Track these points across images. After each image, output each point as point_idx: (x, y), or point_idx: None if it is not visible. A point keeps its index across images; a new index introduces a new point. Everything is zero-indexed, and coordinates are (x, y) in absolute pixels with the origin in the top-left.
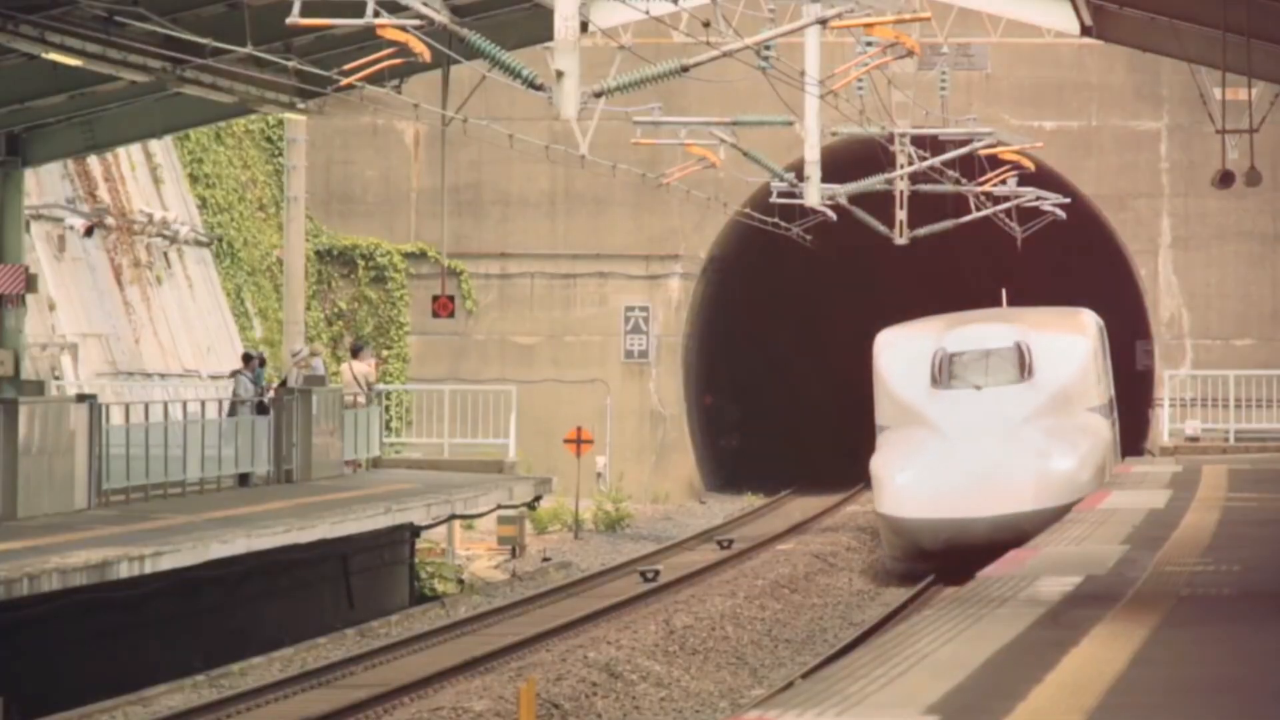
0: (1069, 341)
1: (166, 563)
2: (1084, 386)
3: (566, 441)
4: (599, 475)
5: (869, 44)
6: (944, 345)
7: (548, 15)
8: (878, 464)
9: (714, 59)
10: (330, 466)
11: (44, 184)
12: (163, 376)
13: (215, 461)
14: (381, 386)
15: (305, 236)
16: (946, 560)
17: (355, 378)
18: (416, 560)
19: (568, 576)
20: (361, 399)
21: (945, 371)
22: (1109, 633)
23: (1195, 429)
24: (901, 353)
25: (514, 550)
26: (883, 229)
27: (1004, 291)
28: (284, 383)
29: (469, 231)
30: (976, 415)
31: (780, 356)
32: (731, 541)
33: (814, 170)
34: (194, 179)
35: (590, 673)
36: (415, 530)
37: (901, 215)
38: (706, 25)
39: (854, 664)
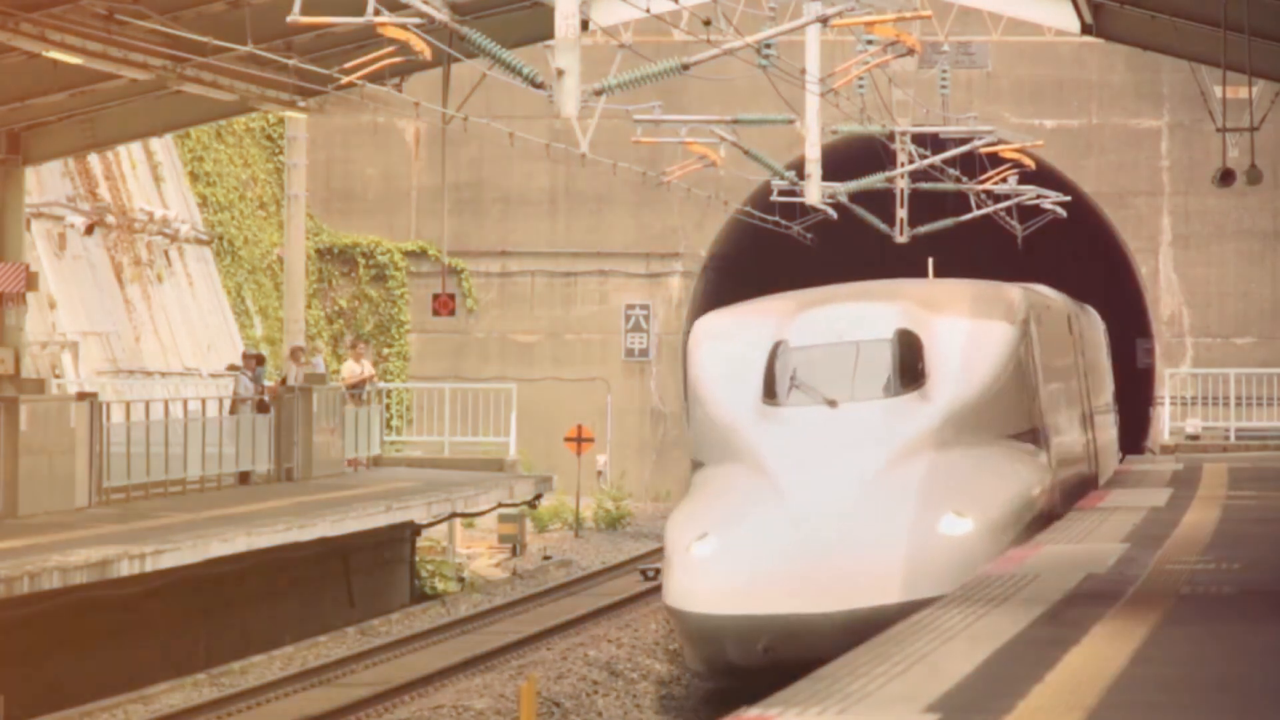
0: (984, 331)
1: (167, 561)
2: (1007, 399)
3: (567, 440)
4: (600, 473)
5: (869, 42)
6: (787, 336)
7: (548, 13)
8: (672, 527)
9: (714, 57)
10: (331, 465)
11: (45, 182)
12: (163, 375)
13: (216, 460)
14: (382, 384)
15: (306, 235)
16: (770, 677)
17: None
18: (417, 558)
19: (568, 575)
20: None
21: (784, 378)
22: (1109, 631)
23: (1196, 427)
24: (725, 349)
25: (515, 548)
26: (883, 227)
27: (930, 261)
28: (284, 380)
29: (469, 230)
30: (828, 448)
31: None
32: None
33: (814, 168)
34: (195, 177)
35: (591, 671)
36: (416, 528)
37: (902, 213)
38: (707, 23)
39: (854, 662)
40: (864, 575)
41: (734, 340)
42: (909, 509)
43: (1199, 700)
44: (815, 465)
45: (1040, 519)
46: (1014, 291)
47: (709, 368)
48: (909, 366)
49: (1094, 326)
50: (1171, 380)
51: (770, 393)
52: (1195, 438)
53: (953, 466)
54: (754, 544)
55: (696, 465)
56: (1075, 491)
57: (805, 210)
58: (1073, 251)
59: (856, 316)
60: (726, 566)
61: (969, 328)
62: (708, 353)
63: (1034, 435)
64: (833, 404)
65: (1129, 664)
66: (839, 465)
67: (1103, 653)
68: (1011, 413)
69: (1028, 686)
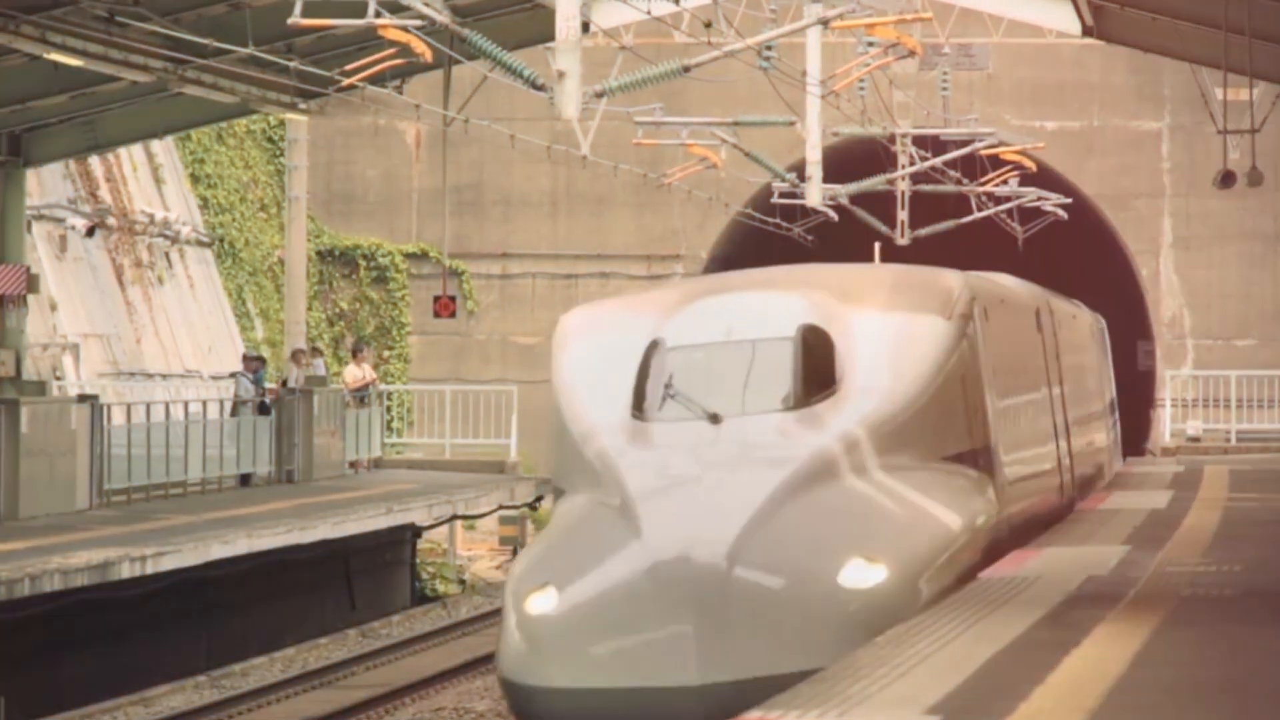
0: (913, 328)
1: (168, 563)
2: (941, 412)
3: None
4: None
5: (870, 44)
6: (664, 334)
7: (549, 15)
8: (511, 575)
9: (715, 59)
10: (331, 467)
11: (45, 184)
12: (164, 377)
13: (217, 462)
14: (383, 387)
15: (307, 237)
16: None
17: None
18: (418, 561)
19: None
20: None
21: (656, 387)
22: (1110, 633)
23: (1196, 429)
24: (592, 350)
25: (515, 550)
26: (884, 229)
27: (877, 246)
28: (284, 383)
29: (470, 232)
30: (705, 475)
31: None
32: None
33: (815, 170)
34: (195, 179)
35: None
36: (417, 531)
37: (903, 215)
38: (708, 25)
39: (855, 664)
40: (742, 638)
41: (604, 339)
42: (804, 554)
43: (1200, 703)
44: (687, 497)
45: (982, 561)
46: (952, 279)
47: (572, 373)
48: (815, 371)
49: (1080, 324)
50: (1172, 382)
51: (639, 405)
52: (1196, 440)
53: (865, 498)
54: (602, 599)
55: (558, 494)
56: (1041, 520)
57: (806, 212)
58: (1073, 254)
59: (753, 310)
60: (567, 627)
61: (893, 323)
62: (572, 355)
63: (977, 456)
64: (716, 419)
65: (1130, 666)
66: (718, 497)
67: (1104, 655)
68: (947, 429)
69: (1029, 689)
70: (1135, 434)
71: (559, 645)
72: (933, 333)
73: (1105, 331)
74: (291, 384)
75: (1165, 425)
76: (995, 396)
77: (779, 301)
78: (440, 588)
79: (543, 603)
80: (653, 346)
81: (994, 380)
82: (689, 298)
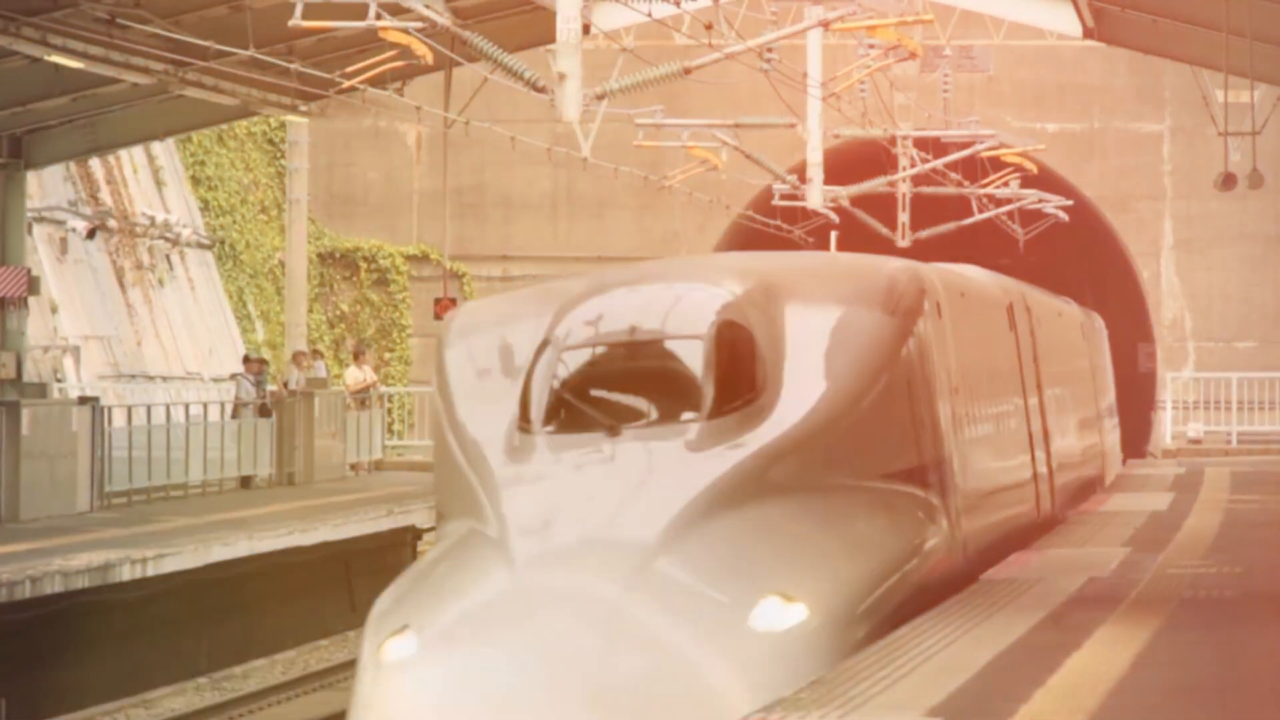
0: (849, 325)
1: (169, 565)
2: (881, 422)
3: None
4: None
5: (871, 46)
6: (560, 332)
7: (549, 17)
8: (372, 614)
9: (716, 61)
10: (332, 469)
11: (46, 186)
12: (165, 379)
13: (218, 464)
14: (384, 389)
15: (307, 238)
16: None
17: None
18: None
19: None
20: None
21: (543, 394)
22: (1111, 635)
23: (1197, 431)
24: (479, 352)
25: None
26: (885, 231)
27: (834, 235)
28: (285, 384)
29: (471, 234)
30: (597, 499)
31: None
32: None
33: (816, 172)
34: (196, 181)
35: None
36: (417, 533)
37: (904, 217)
38: (709, 27)
39: (857, 665)
40: (629, 693)
41: (493, 339)
42: (709, 592)
43: (1201, 704)
44: (574, 525)
45: (929, 595)
46: (898, 269)
47: (454, 378)
48: (733, 375)
49: (1068, 322)
50: (1173, 384)
51: (525, 416)
52: (1197, 442)
53: (786, 525)
54: (466, 646)
55: (439, 519)
56: (1013, 540)
57: (807, 214)
58: (1074, 256)
59: (663, 303)
60: (423, 678)
61: (828, 319)
62: (456, 357)
63: (926, 472)
64: (613, 432)
65: (1131, 668)
66: (611, 525)
67: (1105, 657)
68: (889, 441)
69: (1030, 690)
70: (1136, 436)
71: (409, 699)
72: (874, 330)
73: (1103, 331)
74: (292, 386)
75: (1166, 427)
76: (951, 403)
77: (694, 294)
78: None
79: (398, 647)
80: (544, 347)
81: (950, 384)
82: (593, 290)
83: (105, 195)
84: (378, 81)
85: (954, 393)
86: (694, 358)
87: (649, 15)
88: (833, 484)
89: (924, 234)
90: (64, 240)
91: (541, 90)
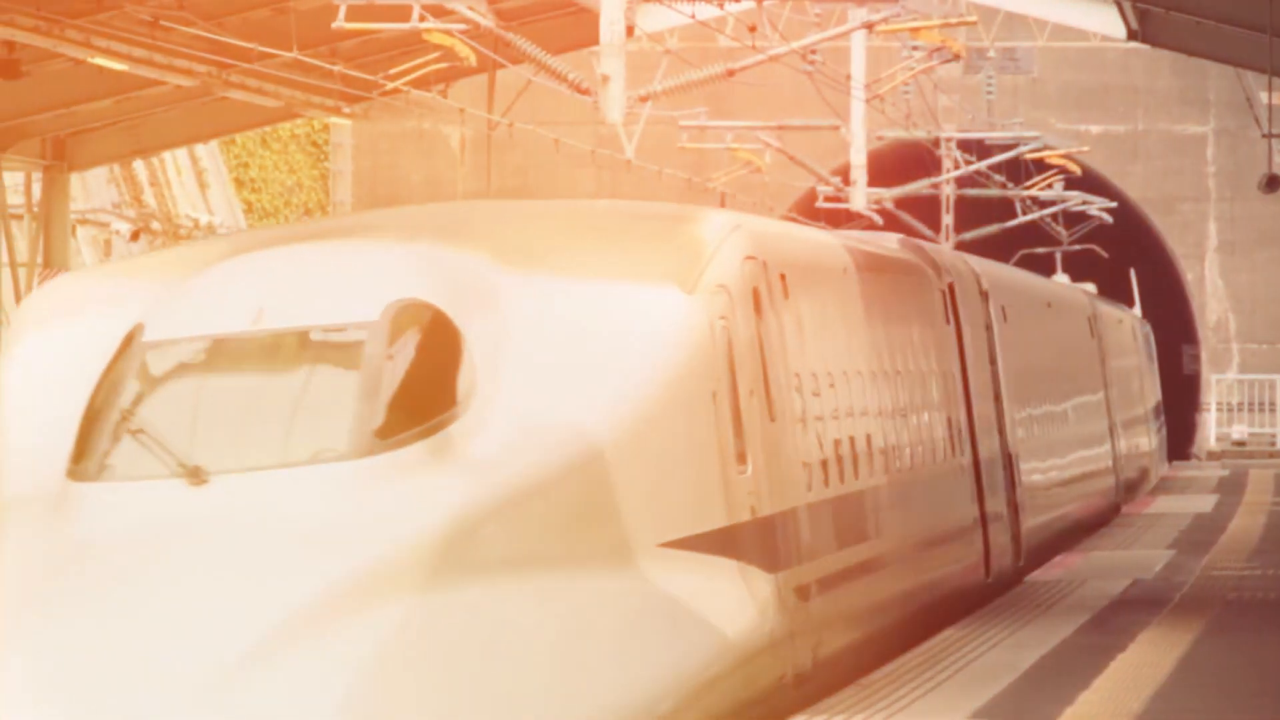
0: (624, 308)
1: None
2: (672, 458)
3: None
4: None
5: (915, 48)
6: (151, 319)
7: (593, 19)
8: None
9: (760, 63)
10: None
11: (90, 188)
12: None
13: None
14: None
15: None
16: None
17: None
18: None
19: None
20: None
21: (110, 417)
22: (1156, 637)
23: (1242, 433)
24: (55, 350)
25: None
26: (929, 233)
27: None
28: None
29: None
30: (160, 597)
31: None
32: None
33: (860, 174)
34: (240, 183)
35: None
36: None
37: (948, 219)
38: (752, 29)
39: (901, 669)
40: None
41: (74, 331)
42: None
43: (1246, 707)
44: (117, 635)
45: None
46: (707, 226)
47: (12, 389)
48: (416, 387)
49: (1078, 314)
50: (1217, 386)
51: (81, 452)
52: (1241, 444)
53: (478, 637)
54: None
55: None
56: (918, 624)
57: (850, 217)
58: (1119, 258)
59: (310, 275)
60: None
61: (584, 301)
62: (20, 358)
63: (741, 535)
64: (198, 478)
65: (1175, 670)
66: (176, 638)
67: (1149, 659)
68: (680, 488)
69: (1074, 693)
70: (1180, 438)
71: None
72: (659, 318)
73: (1138, 323)
74: None
75: (1210, 429)
76: (789, 429)
77: (362, 261)
78: None
79: None
80: (126, 343)
81: (790, 400)
82: (218, 256)
83: (149, 197)
84: (421, 83)
85: (795, 413)
86: (348, 361)
87: (692, 17)
88: (573, 560)
89: (968, 235)
90: (108, 242)
91: (585, 92)
